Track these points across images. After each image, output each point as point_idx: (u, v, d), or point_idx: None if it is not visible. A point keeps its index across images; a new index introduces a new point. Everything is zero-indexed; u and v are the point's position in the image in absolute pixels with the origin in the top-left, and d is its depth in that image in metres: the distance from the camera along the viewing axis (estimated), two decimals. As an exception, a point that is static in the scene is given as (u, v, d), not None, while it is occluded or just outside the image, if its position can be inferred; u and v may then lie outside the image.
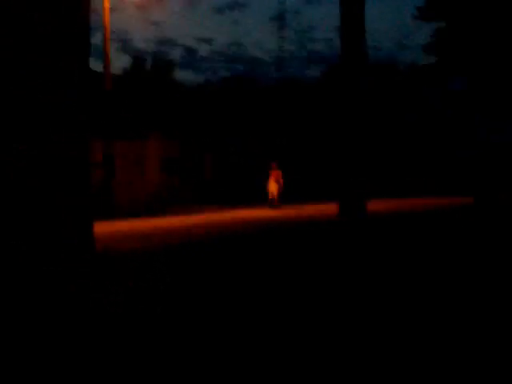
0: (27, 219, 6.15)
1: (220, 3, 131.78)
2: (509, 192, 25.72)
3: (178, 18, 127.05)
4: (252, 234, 12.56)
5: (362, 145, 17.05)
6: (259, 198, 25.84)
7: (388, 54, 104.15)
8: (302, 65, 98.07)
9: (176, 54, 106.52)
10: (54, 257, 6.27)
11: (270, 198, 23.59)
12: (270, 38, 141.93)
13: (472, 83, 31.08)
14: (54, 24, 6.33)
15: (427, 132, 38.69)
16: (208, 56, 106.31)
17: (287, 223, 15.56)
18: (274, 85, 46.41)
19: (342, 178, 17.21)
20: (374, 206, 19.35)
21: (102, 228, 11.59)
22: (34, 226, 6.16)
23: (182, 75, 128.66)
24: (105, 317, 5.23)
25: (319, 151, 36.57)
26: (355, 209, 16.90)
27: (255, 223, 15.94)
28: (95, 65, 79.59)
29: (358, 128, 17.04)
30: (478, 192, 24.69)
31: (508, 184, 26.83)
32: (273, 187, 23.50)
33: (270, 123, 36.06)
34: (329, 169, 33.33)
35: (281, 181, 23.64)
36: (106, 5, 22.61)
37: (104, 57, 22.97)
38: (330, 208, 20.20)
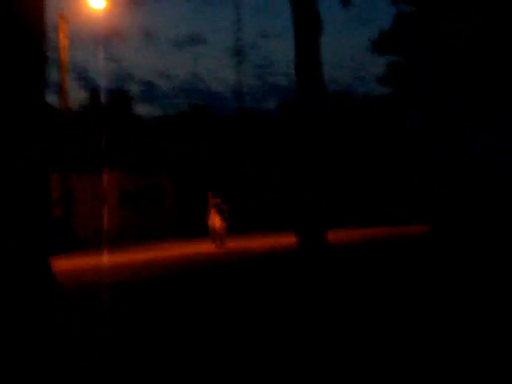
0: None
1: (179, 38, 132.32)
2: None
3: (136, 53, 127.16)
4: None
5: (319, 174, 17.15)
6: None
7: (344, 86, 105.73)
8: (260, 97, 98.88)
9: (135, 89, 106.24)
10: (10, 288, 6.18)
11: (211, 233, 21.15)
12: (229, 72, 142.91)
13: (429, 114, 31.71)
14: (10, 59, 6.33)
15: (390, 159, 39.24)
16: (167, 90, 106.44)
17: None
18: (232, 116, 46.67)
19: (300, 210, 17.12)
20: (334, 236, 19.41)
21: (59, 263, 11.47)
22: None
23: (142, 110, 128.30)
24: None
25: (275, 181, 36.78)
26: (314, 241, 16.69)
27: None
28: (54, 100, 78.85)
29: (315, 157, 17.15)
30: (436, 219, 24.65)
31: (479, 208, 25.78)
32: (213, 222, 20.98)
33: (229, 153, 36.21)
34: (286, 199, 33.47)
35: (223, 214, 21.03)
36: (63, 43, 22.61)
37: (61, 91, 22.90)
38: (283, 240, 20.07)
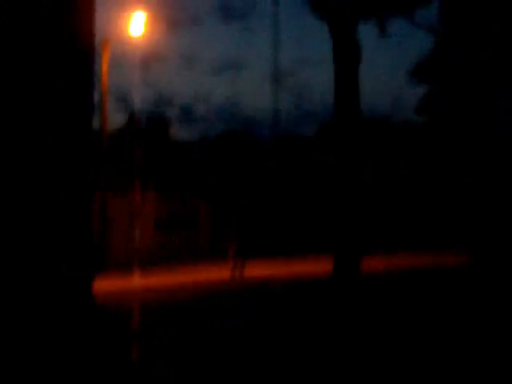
0: (28, 269, 6.11)
1: (217, 64, 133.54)
2: None
3: (175, 77, 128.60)
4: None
5: (357, 200, 16.98)
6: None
7: (382, 115, 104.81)
8: (296, 124, 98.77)
9: (173, 113, 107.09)
10: (52, 308, 6.21)
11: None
12: (265, 98, 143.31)
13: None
14: (60, 84, 6.43)
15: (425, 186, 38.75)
16: (205, 115, 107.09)
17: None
18: (268, 141, 46.69)
19: (337, 236, 16.93)
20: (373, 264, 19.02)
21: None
22: (34, 275, 6.12)
23: (179, 133, 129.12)
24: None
25: (311, 208, 36.57)
26: (350, 269, 16.41)
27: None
28: (94, 122, 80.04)
29: (352, 182, 17.02)
30: (476, 249, 23.06)
31: None
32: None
33: (265, 177, 36.18)
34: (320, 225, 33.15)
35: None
36: (104, 68, 23.16)
37: (101, 115, 23.41)
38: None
